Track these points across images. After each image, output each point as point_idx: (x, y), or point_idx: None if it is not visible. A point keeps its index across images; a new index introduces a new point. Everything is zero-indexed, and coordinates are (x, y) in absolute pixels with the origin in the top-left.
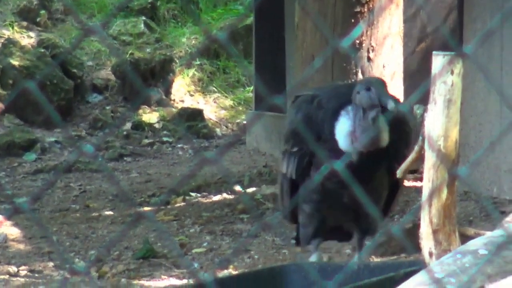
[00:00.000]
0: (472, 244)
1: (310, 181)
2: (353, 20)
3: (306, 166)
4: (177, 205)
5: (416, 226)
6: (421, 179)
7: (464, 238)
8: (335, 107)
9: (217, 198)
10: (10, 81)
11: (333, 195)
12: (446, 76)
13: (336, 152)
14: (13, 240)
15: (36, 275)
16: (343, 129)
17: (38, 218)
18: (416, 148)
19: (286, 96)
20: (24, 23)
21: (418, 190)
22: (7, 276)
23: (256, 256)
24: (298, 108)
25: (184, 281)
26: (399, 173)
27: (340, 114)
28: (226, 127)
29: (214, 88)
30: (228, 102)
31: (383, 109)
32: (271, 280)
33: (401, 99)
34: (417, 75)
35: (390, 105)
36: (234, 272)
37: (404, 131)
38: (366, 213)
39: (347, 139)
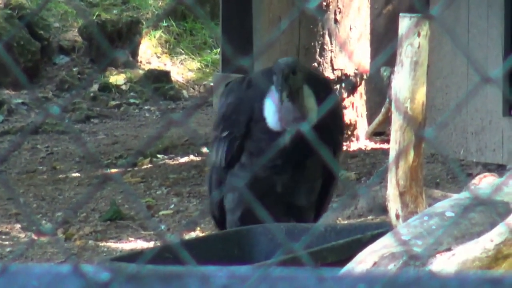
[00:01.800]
0: (439, 207)
1: (241, 169)
2: None
3: (236, 151)
4: (144, 167)
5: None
6: (388, 141)
7: (431, 200)
8: (264, 86)
9: (184, 160)
10: None
11: (266, 184)
12: (412, 38)
13: (268, 132)
14: None
15: (3, 237)
16: (271, 107)
17: (5, 180)
18: (383, 110)
19: (253, 58)
20: None
21: (385, 152)
22: None
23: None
24: (228, 91)
25: (151, 243)
26: (366, 134)
27: (268, 92)
28: (193, 89)
29: (181, 50)
30: (195, 64)
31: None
32: (238, 242)
33: (368, 61)
34: (384, 37)
35: (278, 97)
36: (201, 234)
37: (336, 114)
38: (299, 206)
39: (275, 117)
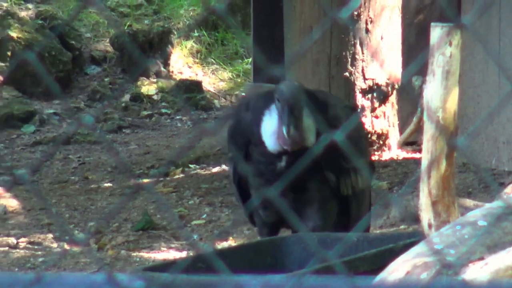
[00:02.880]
0: (471, 216)
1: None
2: None
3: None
4: (176, 176)
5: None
6: (419, 151)
7: (463, 210)
8: (261, 108)
9: (216, 169)
10: (8, 53)
11: (273, 205)
12: (444, 48)
13: (266, 156)
14: (12, 212)
15: (36, 247)
16: (268, 129)
17: (37, 190)
18: (415, 119)
19: (284, 68)
20: None
21: (417, 162)
22: (6, 248)
23: (255, 228)
24: (232, 114)
25: (184, 253)
26: (397, 144)
27: (265, 114)
28: (225, 98)
29: (212, 60)
30: (227, 74)
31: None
32: (270, 251)
33: (400, 71)
34: (415, 47)
35: (284, 129)
36: (234, 244)
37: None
38: (312, 227)
39: (272, 139)
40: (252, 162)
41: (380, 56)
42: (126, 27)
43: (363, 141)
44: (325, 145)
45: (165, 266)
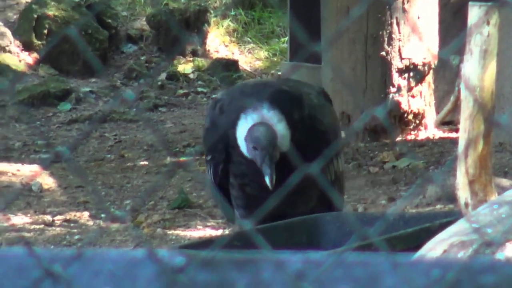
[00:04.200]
0: (508, 195)
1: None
2: None
3: (221, 173)
4: None
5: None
6: (456, 130)
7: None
8: (236, 112)
9: None
10: (45, 32)
11: (258, 201)
12: (482, 27)
13: (246, 158)
14: (48, 189)
15: (72, 224)
16: (242, 132)
17: (74, 167)
18: (452, 98)
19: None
20: None
21: (453, 141)
22: (42, 226)
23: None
24: (207, 114)
25: (220, 231)
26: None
27: (240, 117)
28: (261, 77)
29: (249, 39)
30: (263, 53)
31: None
32: (306, 230)
33: (436, 50)
34: (452, 26)
35: (267, 178)
36: None
37: (315, 129)
38: (298, 213)
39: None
40: (234, 163)
41: (417, 35)
42: (162, 6)
43: (337, 124)
44: (308, 136)
45: (201, 244)
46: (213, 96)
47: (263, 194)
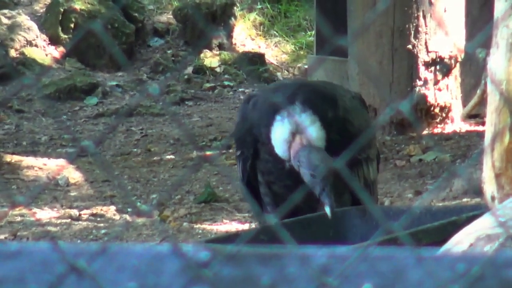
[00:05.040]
0: None
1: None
2: None
3: (250, 170)
4: None
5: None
6: (483, 124)
7: None
8: (270, 110)
9: None
10: (71, 25)
11: (284, 199)
12: (508, 20)
13: (273, 155)
14: (75, 184)
15: (98, 219)
16: (278, 135)
17: (101, 161)
18: (478, 92)
19: (348, 41)
20: None
21: (480, 135)
22: (68, 220)
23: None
24: (239, 110)
25: (246, 225)
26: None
27: (275, 119)
28: (287, 71)
29: (275, 32)
30: (289, 46)
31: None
32: (333, 224)
33: (463, 43)
34: (479, 19)
35: (327, 209)
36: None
37: (346, 130)
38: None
39: (283, 145)
40: (260, 160)
41: (443, 29)
42: (189, 0)
43: (372, 131)
44: (340, 137)
45: (228, 238)
46: (240, 89)
47: (289, 193)
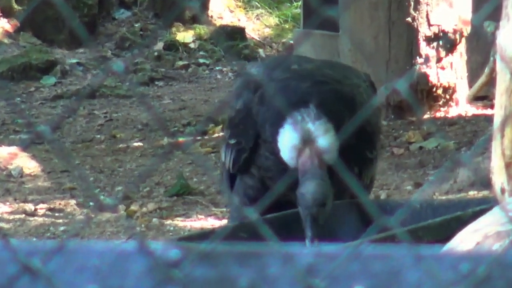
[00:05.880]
0: None
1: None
2: None
3: (244, 161)
4: (215, 135)
5: None
6: (491, 106)
7: None
8: (280, 110)
9: None
10: None
11: (280, 197)
12: None
13: (275, 154)
14: (30, 174)
15: (56, 214)
16: (287, 140)
17: (59, 150)
18: (487, 70)
19: (338, 12)
20: None
21: (488, 119)
22: (23, 216)
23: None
24: (239, 92)
25: (224, 221)
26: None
27: (286, 121)
28: (271, 47)
29: (257, 4)
30: (273, 19)
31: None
32: None
33: (469, 16)
34: None
35: (307, 241)
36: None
37: (363, 130)
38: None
39: (291, 152)
40: (259, 156)
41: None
42: None
43: (381, 121)
44: (355, 139)
45: (203, 235)
46: (217, 68)
47: (285, 190)
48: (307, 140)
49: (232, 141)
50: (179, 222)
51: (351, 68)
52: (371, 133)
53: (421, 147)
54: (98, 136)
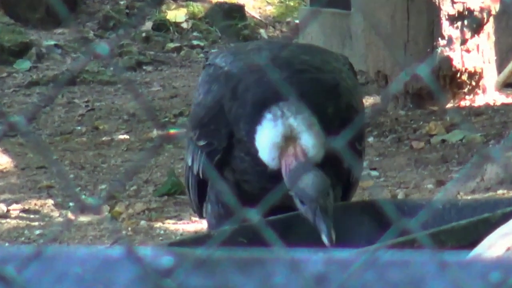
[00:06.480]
0: None
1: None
2: None
3: (216, 164)
4: None
5: None
6: None
7: None
8: (257, 104)
9: None
10: None
11: (253, 198)
12: None
13: (250, 154)
14: (1, 171)
15: (32, 216)
16: (267, 138)
17: (36, 142)
18: None
19: None
20: None
21: None
22: None
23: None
24: (208, 86)
25: None
26: (495, 85)
27: (264, 116)
28: (273, 27)
29: None
30: None
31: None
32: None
33: None
34: None
35: (324, 238)
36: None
37: (351, 121)
38: None
39: (271, 151)
40: (234, 157)
41: None
42: None
43: (365, 112)
44: (342, 128)
45: (198, 240)
46: (213, 50)
47: (261, 192)
48: (289, 137)
49: (202, 143)
50: (170, 225)
51: (327, 50)
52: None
53: (443, 140)
54: (79, 127)
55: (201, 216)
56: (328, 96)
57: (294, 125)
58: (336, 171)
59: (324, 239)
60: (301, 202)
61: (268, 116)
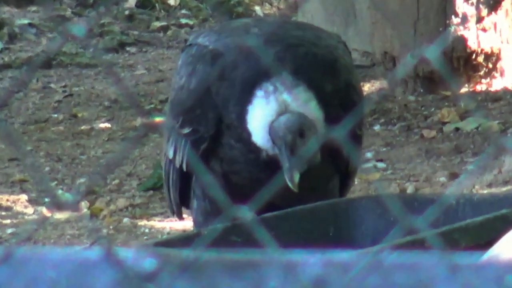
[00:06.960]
0: None
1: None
2: None
3: (202, 154)
4: None
5: None
6: None
7: None
8: (247, 82)
9: None
10: None
11: (242, 191)
12: None
13: (242, 141)
14: None
15: (3, 213)
16: (260, 118)
17: (8, 131)
18: None
19: None
20: None
21: None
22: None
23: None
24: (191, 68)
25: None
26: None
27: (254, 95)
28: (270, 4)
29: None
30: None
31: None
32: (334, 219)
33: None
34: None
35: (291, 179)
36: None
37: (350, 101)
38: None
39: (265, 132)
40: (222, 146)
41: None
42: None
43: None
44: (341, 112)
45: (185, 240)
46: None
47: (253, 184)
48: (284, 113)
49: (186, 131)
50: (156, 223)
51: (319, 28)
52: (359, 103)
53: (457, 129)
54: (55, 115)
55: (180, 217)
56: (325, 72)
57: (289, 101)
58: (335, 160)
59: (286, 178)
60: (273, 143)
61: (259, 93)
